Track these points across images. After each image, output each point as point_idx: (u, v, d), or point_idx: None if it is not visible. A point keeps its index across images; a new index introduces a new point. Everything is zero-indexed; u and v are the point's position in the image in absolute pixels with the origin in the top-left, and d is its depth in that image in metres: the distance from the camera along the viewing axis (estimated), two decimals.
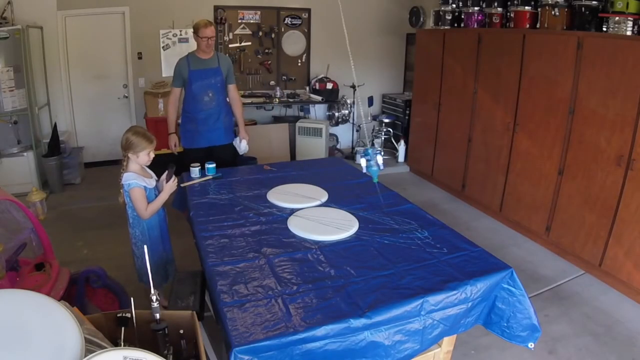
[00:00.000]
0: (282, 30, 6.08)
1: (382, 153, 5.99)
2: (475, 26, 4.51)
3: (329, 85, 6.07)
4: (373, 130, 6.18)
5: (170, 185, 2.45)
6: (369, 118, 6.20)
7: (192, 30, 3.46)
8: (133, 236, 2.51)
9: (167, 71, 5.64)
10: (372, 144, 6.12)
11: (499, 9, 4.21)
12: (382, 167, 2.42)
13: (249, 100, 5.68)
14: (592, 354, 2.57)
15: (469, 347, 2.57)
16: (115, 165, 2.52)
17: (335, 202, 2.61)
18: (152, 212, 2.41)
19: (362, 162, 2.40)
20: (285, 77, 6.24)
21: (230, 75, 3.63)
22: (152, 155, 2.40)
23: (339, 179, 3.07)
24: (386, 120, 6.20)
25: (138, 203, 2.36)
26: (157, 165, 2.61)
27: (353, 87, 6.03)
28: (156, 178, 2.54)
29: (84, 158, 5.48)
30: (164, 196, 2.45)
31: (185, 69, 3.47)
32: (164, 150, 5.23)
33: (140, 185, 2.34)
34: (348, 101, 6.07)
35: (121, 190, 2.42)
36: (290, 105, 6.12)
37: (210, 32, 3.38)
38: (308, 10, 6.13)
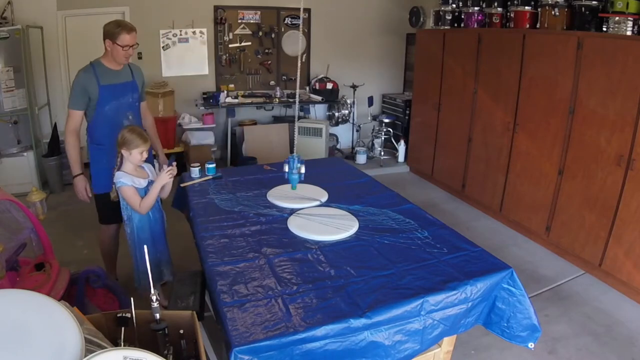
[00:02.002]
0: (282, 30, 6.08)
1: (383, 153, 6.01)
2: (475, 26, 4.51)
3: (329, 85, 6.07)
4: (373, 130, 6.19)
5: (162, 176, 2.37)
6: (369, 118, 6.20)
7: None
8: (127, 235, 2.52)
9: (167, 71, 5.64)
10: (372, 144, 6.13)
11: (499, 9, 4.21)
12: (301, 177, 2.55)
13: (249, 100, 5.68)
14: (592, 354, 2.57)
15: (469, 347, 2.57)
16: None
17: (335, 202, 2.61)
18: (147, 206, 2.39)
19: (286, 167, 2.53)
20: (285, 77, 6.24)
21: (143, 90, 2.94)
22: (145, 155, 2.39)
23: (339, 179, 3.07)
24: (386, 120, 6.20)
25: (131, 200, 2.37)
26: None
27: (353, 87, 6.04)
28: (152, 177, 2.53)
29: (84, 158, 5.47)
30: (155, 188, 2.39)
31: (93, 84, 2.61)
32: (164, 150, 5.25)
33: (128, 184, 2.34)
34: (348, 101, 6.07)
35: (113, 187, 2.43)
36: (290, 105, 6.12)
37: (133, 39, 2.63)
38: (308, 10, 6.13)
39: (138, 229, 2.47)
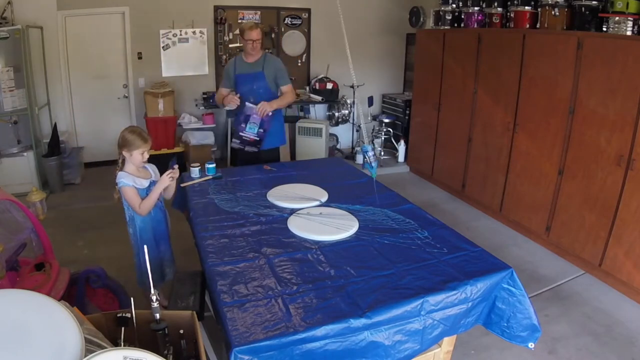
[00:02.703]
0: (282, 30, 6.08)
1: (383, 153, 6.01)
2: (475, 26, 4.51)
3: (329, 85, 6.07)
4: (373, 130, 6.18)
5: (163, 179, 2.39)
6: (369, 118, 6.20)
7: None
8: (130, 235, 2.51)
9: (167, 71, 5.64)
10: (372, 144, 6.13)
11: (499, 9, 4.21)
12: (374, 164, 2.62)
13: None
14: (592, 354, 2.57)
15: (469, 347, 2.57)
16: (115, 165, 2.52)
17: (335, 202, 2.61)
18: (146, 207, 2.39)
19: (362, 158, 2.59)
20: None
21: (280, 77, 3.49)
22: (147, 155, 2.39)
23: (339, 179, 3.07)
24: (386, 120, 6.20)
25: (131, 201, 2.37)
26: (158, 165, 2.60)
27: (353, 87, 6.04)
28: (155, 177, 2.53)
29: (84, 158, 5.48)
30: (156, 191, 2.40)
31: (231, 70, 3.49)
32: (164, 150, 5.26)
33: (129, 184, 2.34)
34: (348, 101, 6.07)
35: (116, 187, 2.43)
36: (290, 105, 6.11)
37: (256, 35, 3.34)
38: (308, 10, 6.13)
39: (141, 229, 2.47)
